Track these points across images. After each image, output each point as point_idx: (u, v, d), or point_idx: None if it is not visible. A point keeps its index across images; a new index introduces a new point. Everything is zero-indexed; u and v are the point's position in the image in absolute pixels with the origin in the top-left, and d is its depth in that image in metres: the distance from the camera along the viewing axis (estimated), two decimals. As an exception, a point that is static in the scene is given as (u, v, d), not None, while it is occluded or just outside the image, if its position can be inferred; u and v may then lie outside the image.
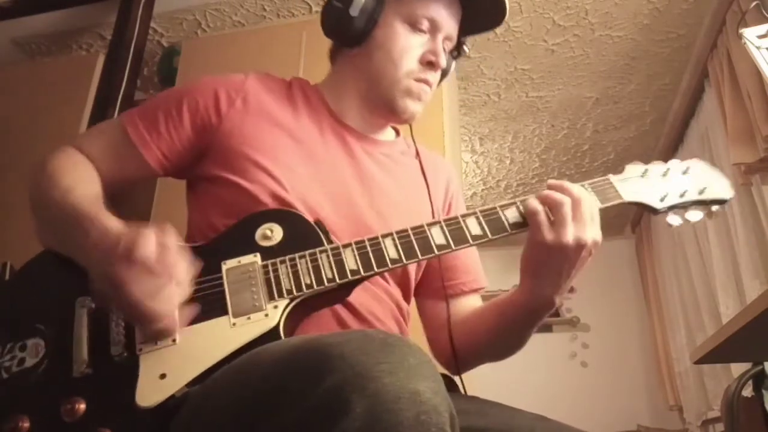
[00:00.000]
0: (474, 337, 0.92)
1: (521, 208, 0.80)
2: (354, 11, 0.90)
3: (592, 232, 0.76)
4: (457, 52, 1.03)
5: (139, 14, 2.29)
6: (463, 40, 1.03)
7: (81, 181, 0.81)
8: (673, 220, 0.86)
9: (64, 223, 0.75)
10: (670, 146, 3.52)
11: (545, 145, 3.66)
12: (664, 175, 0.87)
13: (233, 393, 0.56)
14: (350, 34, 0.92)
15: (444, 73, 1.01)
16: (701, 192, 0.86)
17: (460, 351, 0.92)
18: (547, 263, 0.78)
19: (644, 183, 0.86)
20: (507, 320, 0.88)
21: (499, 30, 2.67)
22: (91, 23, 2.61)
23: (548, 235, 0.75)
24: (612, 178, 0.86)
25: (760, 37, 1.64)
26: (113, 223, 0.70)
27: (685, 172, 0.88)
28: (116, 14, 2.31)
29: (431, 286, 0.99)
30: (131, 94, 2.17)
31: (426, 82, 0.93)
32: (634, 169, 0.88)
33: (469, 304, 0.99)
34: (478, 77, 2.99)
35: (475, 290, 1.01)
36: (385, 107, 0.94)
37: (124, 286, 0.63)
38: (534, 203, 0.77)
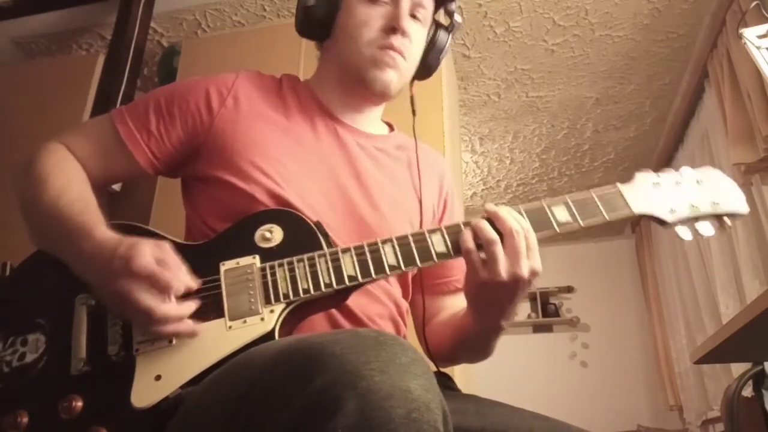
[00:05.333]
0: (444, 343, 0.93)
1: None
2: (310, 0, 0.91)
3: (528, 264, 0.73)
4: (450, 22, 1.00)
5: (139, 14, 2.29)
6: (451, 9, 0.99)
7: (70, 184, 0.80)
8: (684, 233, 0.81)
9: (56, 231, 0.75)
10: (670, 146, 3.52)
11: (545, 145, 3.66)
12: (677, 185, 0.83)
13: (226, 394, 0.56)
14: (314, 24, 0.93)
15: (439, 49, 0.98)
16: (715, 205, 0.81)
17: (438, 349, 0.92)
18: (486, 297, 0.77)
19: (655, 193, 0.82)
20: (464, 336, 0.88)
21: (499, 30, 2.67)
22: (91, 23, 2.61)
23: (482, 272, 0.73)
24: (621, 187, 0.82)
25: (760, 37, 1.63)
26: (106, 235, 0.70)
27: (699, 182, 0.83)
28: (116, 14, 2.31)
29: (422, 283, 0.98)
30: (131, 94, 2.17)
31: (390, 47, 0.90)
32: (645, 177, 0.83)
33: (460, 301, 0.99)
34: (478, 77, 2.99)
35: None
36: (358, 83, 0.92)
37: (130, 297, 0.64)
38: (468, 242, 0.74)
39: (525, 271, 0.73)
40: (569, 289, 4.78)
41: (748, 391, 1.49)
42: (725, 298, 2.85)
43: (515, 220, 0.74)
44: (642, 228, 4.39)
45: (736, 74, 2.42)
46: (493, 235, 0.73)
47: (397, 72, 0.92)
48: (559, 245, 4.70)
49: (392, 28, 0.90)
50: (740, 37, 1.67)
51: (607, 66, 2.94)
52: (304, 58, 2.03)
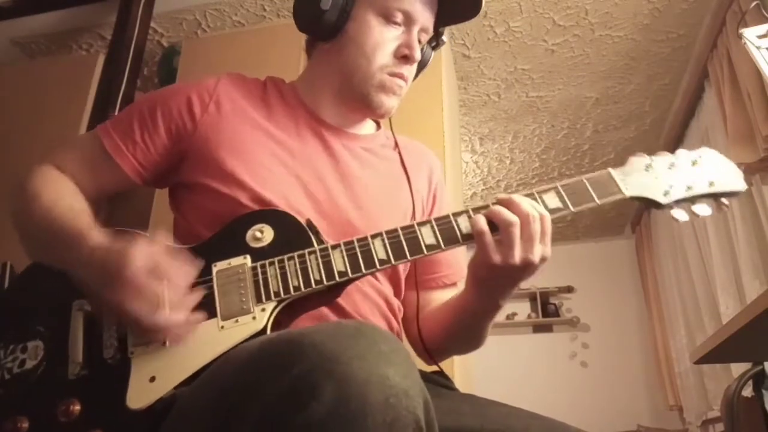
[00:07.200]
0: (437, 332, 0.93)
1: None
2: (325, 5, 0.88)
3: (540, 250, 0.74)
4: (435, 42, 1.01)
5: (139, 14, 2.29)
6: (442, 30, 1.00)
7: (62, 196, 0.81)
8: (679, 215, 0.79)
9: (50, 241, 0.75)
10: (670, 146, 3.51)
11: (545, 145, 3.66)
12: (671, 167, 0.81)
13: (211, 389, 0.57)
14: (322, 28, 0.91)
15: (422, 65, 0.99)
16: (711, 184, 0.80)
17: (430, 342, 0.93)
18: (493, 279, 0.77)
19: (648, 176, 0.80)
20: (459, 320, 0.88)
21: (499, 30, 2.67)
22: (91, 23, 2.62)
23: (494, 255, 0.73)
24: (613, 171, 0.81)
25: (760, 37, 1.63)
26: (100, 239, 0.70)
27: (694, 163, 0.81)
28: (116, 14, 2.32)
29: (410, 278, 0.98)
30: (131, 94, 2.17)
31: (400, 76, 0.91)
32: (637, 161, 0.82)
33: (449, 296, 0.98)
34: (478, 77, 2.99)
35: (456, 283, 1.01)
36: (359, 102, 0.93)
37: (121, 306, 0.65)
38: (481, 223, 0.74)
39: (536, 257, 0.73)
40: (569, 289, 4.78)
41: (748, 391, 1.49)
42: (725, 298, 2.85)
43: (530, 205, 0.74)
44: (642, 228, 4.40)
45: (736, 74, 2.42)
46: (512, 217, 0.73)
47: (400, 97, 0.94)
48: (559, 245, 4.69)
49: (405, 57, 0.90)
50: (740, 37, 1.67)
51: (607, 66, 2.94)
52: (303, 59, 2.03)
